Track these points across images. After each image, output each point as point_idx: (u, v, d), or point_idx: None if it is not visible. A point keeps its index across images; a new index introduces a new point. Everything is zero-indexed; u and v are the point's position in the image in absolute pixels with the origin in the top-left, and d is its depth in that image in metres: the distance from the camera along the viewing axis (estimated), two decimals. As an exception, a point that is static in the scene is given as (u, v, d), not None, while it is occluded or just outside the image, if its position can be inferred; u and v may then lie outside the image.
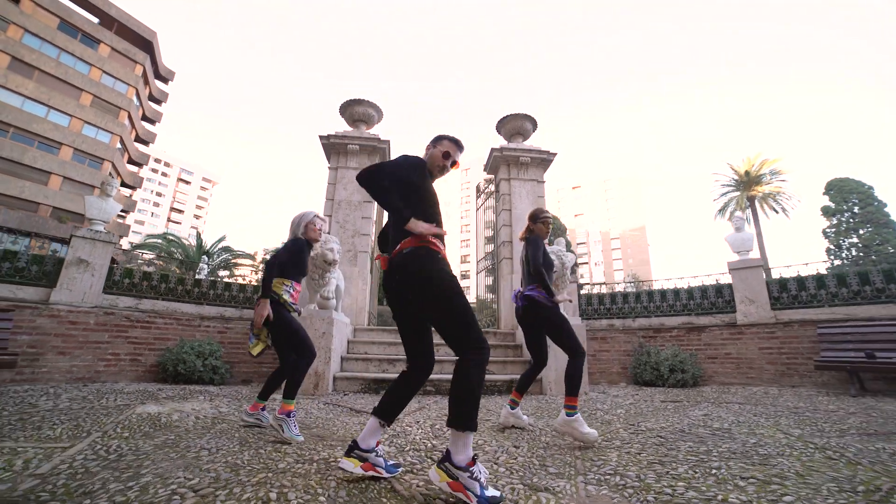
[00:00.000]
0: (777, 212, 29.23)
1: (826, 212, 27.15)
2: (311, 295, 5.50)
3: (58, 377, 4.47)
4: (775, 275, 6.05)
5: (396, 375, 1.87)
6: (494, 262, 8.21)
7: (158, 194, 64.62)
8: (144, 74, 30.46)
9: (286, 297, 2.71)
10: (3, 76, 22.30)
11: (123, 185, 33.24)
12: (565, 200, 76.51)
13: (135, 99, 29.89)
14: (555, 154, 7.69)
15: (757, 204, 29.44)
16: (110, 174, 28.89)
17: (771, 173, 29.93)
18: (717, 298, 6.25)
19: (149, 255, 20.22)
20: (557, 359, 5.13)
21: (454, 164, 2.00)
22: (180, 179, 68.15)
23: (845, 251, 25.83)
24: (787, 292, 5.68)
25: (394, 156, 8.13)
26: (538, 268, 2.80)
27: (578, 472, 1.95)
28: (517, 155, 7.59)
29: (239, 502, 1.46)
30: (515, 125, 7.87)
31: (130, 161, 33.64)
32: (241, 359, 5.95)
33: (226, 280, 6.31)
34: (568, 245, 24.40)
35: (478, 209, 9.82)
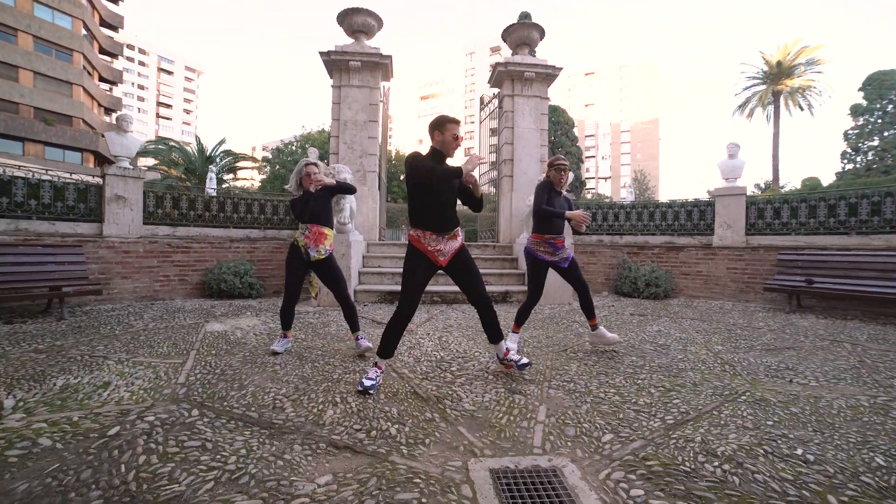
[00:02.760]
0: (802, 109, 27.56)
1: (855, 111, 25.58)
2: (328, 221, 6.07)
3: (128, 297, 5.40)
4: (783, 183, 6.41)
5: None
6: (497, 178, 8.51)
7: (141, 87, 60.27)
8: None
9: (302, 239, 3.13)
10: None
11: (101, 79, 31.09)
12: (577, 88, 70.80)
13: (86, -33, 25.93)
14: (560, 69, 7.41)
15: (782, 100, 27.60)
16: (84, 67, 26.87)
17: (807, 63, 27.29)
18: (699, 221, 6.79)
19: (152, 161, 20.13)
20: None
21: (458, 139, 2.50)
22: (161, 69, 62.73)
23: (861, 155, 25.14)
24: (762, 219, 6.19)
25: (396, 70, 7.80)
26: (536, 212, 3.23)
27: (545, 380, 2.77)
28: (522, 70, 7.31)
29: (317, 404, 2.27)
30: (522, 34, 7.39)
31: (102, 51, 30.80)
32: (270, 273, 6.81)
33: (245, 200, 6.81)
34: (567, 133, 23.32)
35: (481, 121, 9.68)
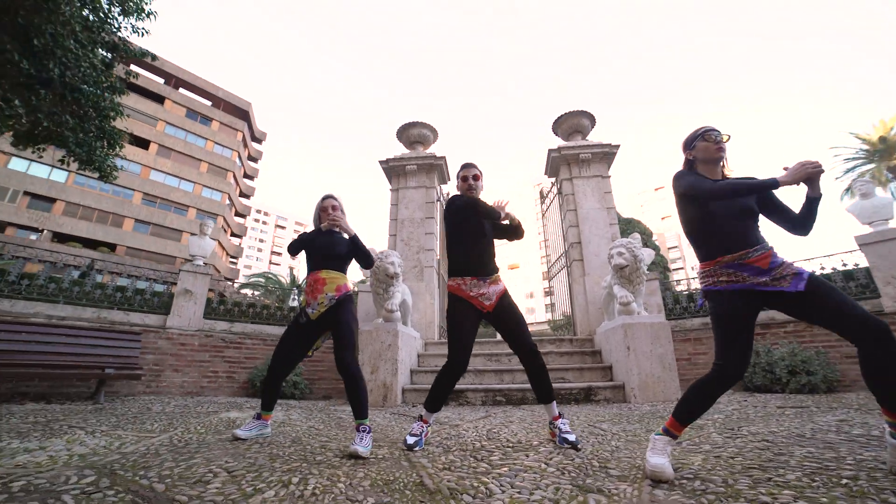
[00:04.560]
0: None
1: None
2: (378, 310, 5.69)
3: (173, 391, 5.25)
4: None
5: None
6: (566, 265, 7.73)
7: (260, 240, 74.40)
8: (243, 139, 35.88)
9: (302, 298, 2.54)
10: (154, 161, 28.32)
11: (233, 234, 39.08)
12: (649, 203, 70.17)
13: (237, 160, 35.19)
14: (617, 146, 7.14)
15: (902, 175, 23.80)
16: (222, 227, 34.29)
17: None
18: (845, 283, 5.03)
19: (253, 293, 23.13)
20: (639, 361, 4.56)
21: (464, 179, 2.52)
22: (277, 226, 77.86)
23: None
24: (953, 267, 4.35)
25: (451, 170, 8.30)
26: (690, 215, 1.78)
27: (647, 476, 1.62)
28: (576, 152, 7.20)
29: (262, 482, 1.48)
30: (572, 123, 7.53)
31: (237, 214, 39.50)
32: (321, 376, 6.32)
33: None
34: (646, 243, 21.77)
35: (543, 214, 9.46)
